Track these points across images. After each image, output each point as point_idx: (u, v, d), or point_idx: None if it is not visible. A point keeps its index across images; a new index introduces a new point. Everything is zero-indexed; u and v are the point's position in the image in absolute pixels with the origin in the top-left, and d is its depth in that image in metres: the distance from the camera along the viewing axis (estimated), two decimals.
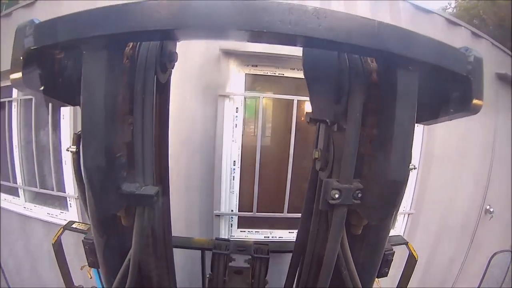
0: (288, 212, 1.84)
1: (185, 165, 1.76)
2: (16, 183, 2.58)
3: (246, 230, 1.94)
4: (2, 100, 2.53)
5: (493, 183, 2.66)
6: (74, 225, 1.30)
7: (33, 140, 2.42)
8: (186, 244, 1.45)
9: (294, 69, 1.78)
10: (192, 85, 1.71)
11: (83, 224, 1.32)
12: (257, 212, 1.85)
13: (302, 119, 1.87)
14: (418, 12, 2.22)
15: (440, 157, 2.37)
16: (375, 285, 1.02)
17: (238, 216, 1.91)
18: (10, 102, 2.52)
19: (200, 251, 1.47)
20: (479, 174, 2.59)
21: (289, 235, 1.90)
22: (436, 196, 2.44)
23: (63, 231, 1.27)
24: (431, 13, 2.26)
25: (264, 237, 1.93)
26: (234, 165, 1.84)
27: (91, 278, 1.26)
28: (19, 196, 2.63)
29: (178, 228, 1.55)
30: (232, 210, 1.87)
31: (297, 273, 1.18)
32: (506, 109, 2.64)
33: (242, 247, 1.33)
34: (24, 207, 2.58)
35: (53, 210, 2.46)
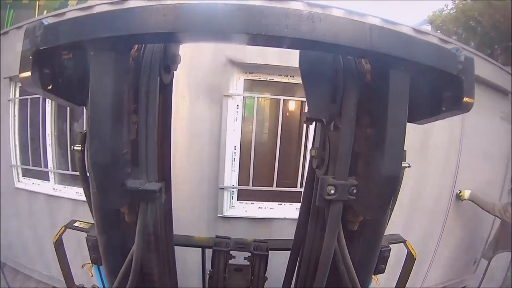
0: (276, 186, 2.40)
1: (197, 149, 2.28)
2: (48, 168, 2.91)
3: (244, 201, 2.45)
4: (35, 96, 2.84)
5: (463, 172, 2.90)
6: (76, 224, 1.32)
7: (67, 130, 2.83)
8: (187, 242, 1.47)
9: (281, 75, 2.33)
10: (203, 88, 2.24)
11: (85, 223, 1.33)
12: (252, 186, 2.37)
13: (287, 114, 2.42)
14: (386, 24, 2.45)
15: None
16: (374, 284, 1.03)
17: (238, 190, 2.43)
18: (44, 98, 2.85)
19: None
20: (447, 163, 2.86)
21: (278, 206, 2.45)
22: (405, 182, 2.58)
23: (64, 230, 1.28)
24: (398, 25, 2.53)
25: (258, 207, 2.44)
26: (234, 149, 2.36)
27: (92, 276, 1.28)
28: (49, 180, 2.96)
29: (189, 200, 2.20)
30: (233, 185, 2.38)
31: (296, 269, 1.20)
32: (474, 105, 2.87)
33: (242, 244, 1.35)
34: (54, 189, 2.90)
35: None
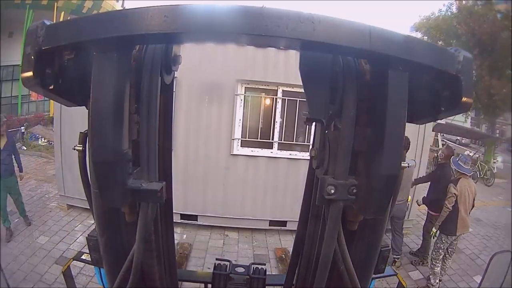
0: (259, 139, 4.57)
1: (221, 119, 4.39)
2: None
3: (243, 147, 4.52)
4: None
5: None
6: (83, 256, 1.33)
7: None
8: (190, 277, 1.49)
9: (262, 85, 4.47)
10: (225, 91, 4.36)
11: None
12: (248, 138, 4.58)
13: (265, 104, 4.58)
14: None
15: None
16: None
17: (241, 140, 4.49)
18: None
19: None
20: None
21: (260, 150, 4.54)
22: None
23: (72, 261, 1.32)
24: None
25: (251, 150, 4.52)
26: (239, 120, 4.45)
27: None
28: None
29: (216, 145, 4.44)
30: (238, 138, 4.49)
31: (297, 270, 1.20)
32: None
33: (240, 267, 1.36)
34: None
35: None
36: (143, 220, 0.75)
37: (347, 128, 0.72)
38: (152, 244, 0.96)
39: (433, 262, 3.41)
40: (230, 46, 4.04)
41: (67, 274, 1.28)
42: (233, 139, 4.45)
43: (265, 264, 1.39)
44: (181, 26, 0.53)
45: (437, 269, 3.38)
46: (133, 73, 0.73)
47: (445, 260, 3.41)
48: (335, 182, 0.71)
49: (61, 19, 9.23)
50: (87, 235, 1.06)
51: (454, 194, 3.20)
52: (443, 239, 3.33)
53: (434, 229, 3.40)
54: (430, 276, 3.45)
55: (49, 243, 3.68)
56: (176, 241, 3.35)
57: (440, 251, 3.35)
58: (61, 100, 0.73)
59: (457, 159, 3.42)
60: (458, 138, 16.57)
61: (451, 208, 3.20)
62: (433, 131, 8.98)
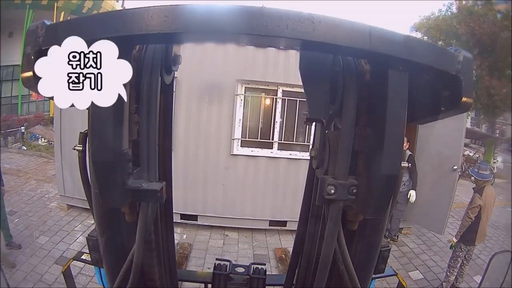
0: (259, 139, 4.53)
1: (221, 119, 4.36)
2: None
3: (243, 147, 4.49)
4: None
5: None
6: (83, 256, 1.33)
7: None
8: (190, 277, 1.50)
9: (262, 85, 4.43)
10: (226, 91, 4.31)
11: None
12: (248, 138, 4.52)
13: (265, 104, 4.56)
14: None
15: None
16: None
17: (241, 140, 4.47)
18: None
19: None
20: None
21: (260, 150, 4.49)
22: None
23: (72, 261, 1.32)
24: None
25: (251, 150, 4.47)
26: (239, 120, 4.44)
27: None
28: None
29: (216, 145, 4.38)
30: (238, 138, 4.45)
31: (297, 270, 1.20)
32: None
33: (240, 267, 1.36)
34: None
35: None
36: (143, 220, 0.75)
37: (347, 128, 0.72)
38: (152, 244, 0.96)
39: (450, 270, 3.37)
40: (230, 46, 3.99)
41: (67, 274, 1.29)
42: (233, 139, 4.43)
43: (265, 264, 1.40)
44: (181, 26, 0.54)
45: (452, 278, 3.35)
46: (133, 73, 0.73)
47: (463, 267, 3.37)
48: (335, 182, 0.71)
49: (61, 19, 9.23)
50: (87, 235, 1.06)
51: (479, 205, 3.09)
52: (461, 247, 3.28)
53: (454, 239, 3.33)
54: (444, 284, 3.42)
55: (49, 243, 3.68)
56: (176, 241, 3.34)
57: (459, 259, 3.31)
58: None
59: (475, 169, 3.22)
60: None
61: (473, 218, 3.11)
62: None
